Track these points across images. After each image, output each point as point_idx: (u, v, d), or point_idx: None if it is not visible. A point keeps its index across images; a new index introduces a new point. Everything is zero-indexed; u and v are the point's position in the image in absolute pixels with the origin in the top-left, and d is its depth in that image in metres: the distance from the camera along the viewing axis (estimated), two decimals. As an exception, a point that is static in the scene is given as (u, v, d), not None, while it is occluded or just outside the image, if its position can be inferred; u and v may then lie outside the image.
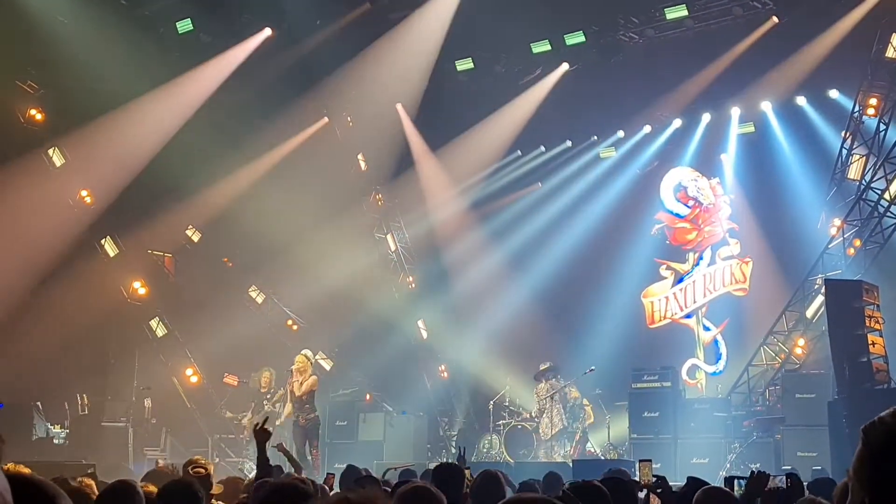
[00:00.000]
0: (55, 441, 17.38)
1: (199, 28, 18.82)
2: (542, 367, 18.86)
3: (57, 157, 18.81)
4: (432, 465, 11.55)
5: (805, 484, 6.78)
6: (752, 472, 6.16)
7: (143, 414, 18.07)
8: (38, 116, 18.55)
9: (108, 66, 17.85)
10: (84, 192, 19.22)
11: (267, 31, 19.14)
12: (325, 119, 21.41)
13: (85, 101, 18.15)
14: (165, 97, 18.66)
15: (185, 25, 18.78)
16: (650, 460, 6.96)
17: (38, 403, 17.45)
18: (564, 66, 20.23)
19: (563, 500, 4.62)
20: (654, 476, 6.63)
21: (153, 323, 19.94)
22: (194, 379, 19.96)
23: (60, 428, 17.73)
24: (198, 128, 18.82)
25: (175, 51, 18.95)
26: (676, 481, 7.33)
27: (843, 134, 17.92)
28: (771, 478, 6.18)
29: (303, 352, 16.88)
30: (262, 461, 7.40)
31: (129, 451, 17.21)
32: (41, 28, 17.37)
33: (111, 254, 19.60)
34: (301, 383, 16.22)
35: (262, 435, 7.44)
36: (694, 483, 5.84)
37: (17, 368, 17.25)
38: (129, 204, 19.35)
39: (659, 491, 6.41)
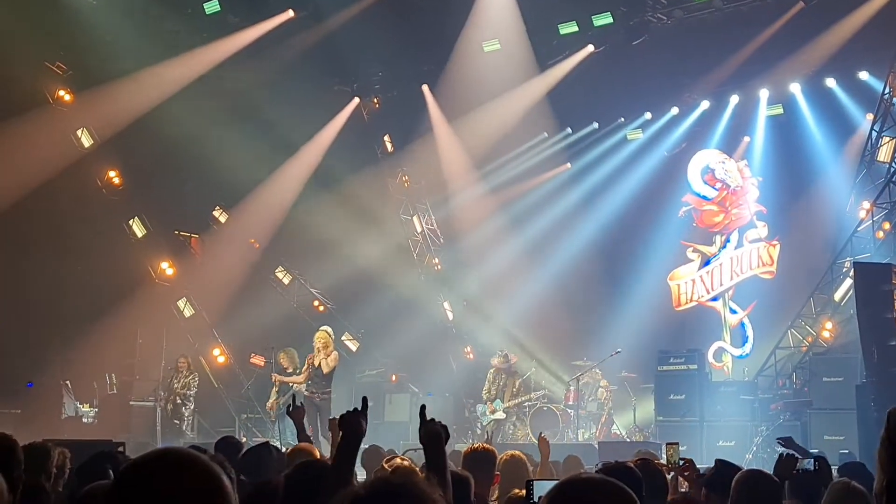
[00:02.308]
0: (84, 420, 17.58)
1: (226, 9, 18.84)
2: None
3: (86, 138, 18.92)
4: (458, 446, 11.59)
5: (834, 467, 6.75)
6: (781, 455, 6.14)
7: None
8: (67, 97, 18.65)
9: (136, 47, 17.93)
10: (112, 173, 19.34)
11: (291, 13, 19.13)
12: (357, 100, 21.43)
13: (113, 82, 18.22)
14: (193, 79, 18.69)
15: (212, 6, 18.79)
16: (677, 443, 6.91)
17: (68, 382, 17.64)
18: (590, 48, 20.03)
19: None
20: (681, 459, 6.61)
21: (181, 303, 20.08)
22: (221, 359, 20.10)
23: (89, 407, 17.93)
24: (226, 110, 18.87)
25: (203, 32, 18.98)
26: (703, 464, 7.31)
27: (872, 116, 17.72)
28: (799, 460, 6.16)
29: (323, 328, 16.56)
30: (304, 438, 7.55)
31: (156, 431, 17.36)
32: (69, 9, 17.44)
33: (139, 234, 19.74)
34: (327, 358, 16.06)
35: (298, 413, 7.56)
36: (722, 466, 5.82)
37: (46, 348, 17.43)
38: (157, 185, 19.46)
39: (686, 473, 6.41)
